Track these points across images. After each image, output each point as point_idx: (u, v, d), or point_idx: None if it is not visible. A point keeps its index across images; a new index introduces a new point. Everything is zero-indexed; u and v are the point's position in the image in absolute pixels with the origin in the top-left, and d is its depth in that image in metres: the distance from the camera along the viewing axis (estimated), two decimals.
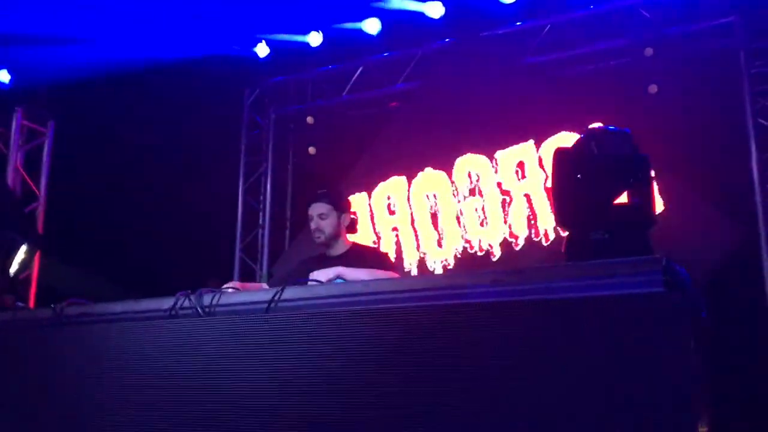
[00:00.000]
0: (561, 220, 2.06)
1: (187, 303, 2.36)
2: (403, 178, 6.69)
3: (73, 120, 7.06)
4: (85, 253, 6.77)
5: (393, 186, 6.75)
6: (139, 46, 6.80)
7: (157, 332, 2.33)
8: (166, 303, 2.39)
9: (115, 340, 2.40)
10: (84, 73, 6.55)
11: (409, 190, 6.65)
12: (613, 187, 2.00)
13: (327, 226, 3.57)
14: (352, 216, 3.75)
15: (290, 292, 2.22)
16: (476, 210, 6.29)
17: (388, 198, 6.75)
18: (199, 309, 2.31)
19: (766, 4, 5.48)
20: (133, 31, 6.69)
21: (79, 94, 6.81)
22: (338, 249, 3.62)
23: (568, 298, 1.80)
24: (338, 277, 3.12)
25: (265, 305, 2.20)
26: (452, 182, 6.45)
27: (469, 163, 6.39)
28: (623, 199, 2.03)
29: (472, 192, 6.34)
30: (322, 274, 3.09)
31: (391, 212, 6.72)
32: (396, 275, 3.53)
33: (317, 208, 3.59)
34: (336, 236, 3.60)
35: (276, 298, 2.20)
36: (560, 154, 2.06)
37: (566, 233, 2.05)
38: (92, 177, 7.11)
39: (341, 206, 3.66)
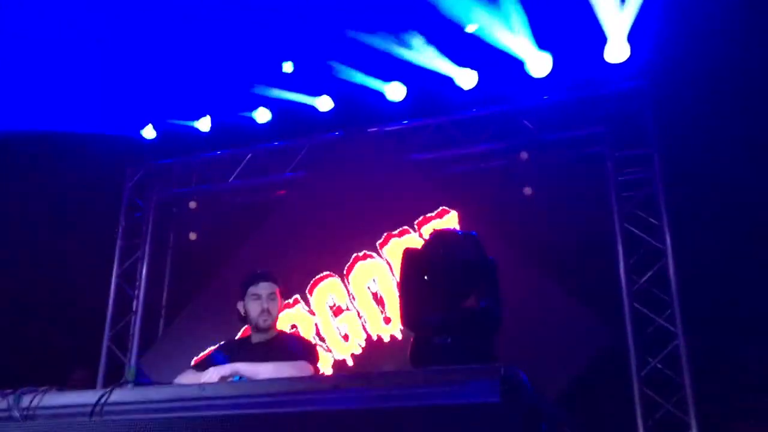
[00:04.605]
0: (406, 322, 2.02)
1: (4, 405, 2.12)
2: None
3: None
4: None
5: None
6: (19, 117, 6.54)
7: None
8: None
9: None
10: None
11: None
12: (459, 290, 1.98)
13: (275, 308, 3.26)
14: None
15: (119, 395, 2.04)
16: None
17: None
18: (16, 412, 2.08)
19: (629, 118, 5.85)
20: (13, 101, 6.44)
21: None
22: (265, 335, 3.29)
23: (405, 406, 1.75)
24: (235, 374, 2.85)
25: (90, 409, 2.01)
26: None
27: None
28: (471, 302, 2.01)
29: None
30: (215, 372, 2.85)
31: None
32: (310, 368, 3.15)
33: (268, 288, 3.27)
34: (275, 320, 3.31)
35: (102, 401, 2.02)
36: (409, 254, 2.04)
37: (411, 337, 2.01)
38: None
39: (282, 289, 3.39)
